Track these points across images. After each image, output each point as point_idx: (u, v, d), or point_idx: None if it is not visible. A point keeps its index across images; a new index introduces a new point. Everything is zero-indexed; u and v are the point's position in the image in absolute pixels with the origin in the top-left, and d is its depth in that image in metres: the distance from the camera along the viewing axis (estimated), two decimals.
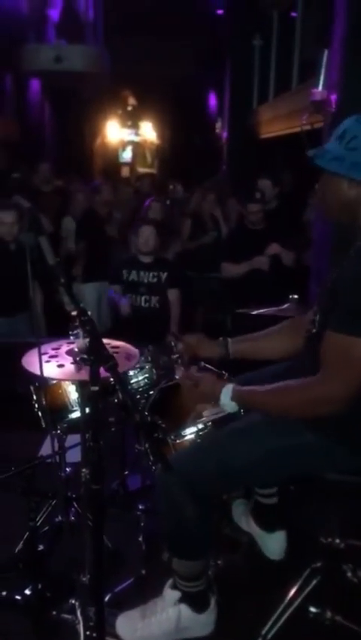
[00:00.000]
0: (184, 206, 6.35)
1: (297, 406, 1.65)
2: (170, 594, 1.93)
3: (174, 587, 1.94)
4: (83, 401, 1.68)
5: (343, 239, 1.77)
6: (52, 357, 1.60)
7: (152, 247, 4.07)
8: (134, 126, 16.03)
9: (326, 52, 4.35)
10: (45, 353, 1.60)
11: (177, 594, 1.92)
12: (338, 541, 2.05)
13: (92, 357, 1.30)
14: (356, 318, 1.50)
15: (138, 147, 16.38)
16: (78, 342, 1.49)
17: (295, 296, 2.92)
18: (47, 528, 2.35)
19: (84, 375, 1.36)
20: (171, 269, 4.23)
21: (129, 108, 15.78)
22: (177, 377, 2.28)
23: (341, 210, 1.66)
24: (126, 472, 2.60)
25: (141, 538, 2.32)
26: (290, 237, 4.42)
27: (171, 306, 4.13)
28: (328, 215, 1.77)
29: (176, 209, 6.37)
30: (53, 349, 1.65)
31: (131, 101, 15.52)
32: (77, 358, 1.40)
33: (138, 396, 2.45)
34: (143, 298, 4.02)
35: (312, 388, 1.61)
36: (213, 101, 12.90)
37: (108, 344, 1.76)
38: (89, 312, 1.37)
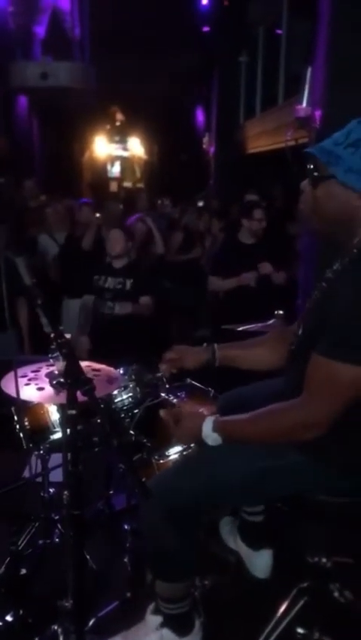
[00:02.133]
0: (175, 221, 6.40)
1: (280, 430, 1.63)
2: (152, 619, 1.90)
3: (157, 611, 1.90)
4: (64, 423, 1.67)
5: (329, 252, 1.72)
6: (31, 379, 1.58)
7: (119, 250, 4.04)
8: (123, 141, 16.13)
9: (309, 69, 4.40)
10: (24, 376, 1.58)
11: (158, 619, 1.88)
12: (324, 560, 2.02)
13: (69, 381, 1.28)
14: (340, 343, 1.47)
15: (126, 162, 16.47)
16: (57, 365, 1.48)
17: (281, 312, 2.92)
18: (29, 551, 2.31)
19: (62, 398, 1.35)
20: (138, 276, 4.15)
21: (117, 124, 15.89)
22: (160, 412, 2.23)
23: (340, 222, 1.59)
24: (111, 492, 2.57)
25: (126, 559, 2.29)
26: (281, 254, 4.38)
27: (144, 313, 4.07)
28: (320, 226, 1.67)
29: (164, 224, 6.40)
30: (33, 372, 1.63)
31: (119, 116, 15.63)
32: (54, 382, 1.38)
33: (123, 415, 2.43)
34: (107, 305, 3.97)
35: (294, 414, 1.59)
36: (200, 116, 13.02)
37: (89, 367, 1.75)
38: (67, 335, 1.35)
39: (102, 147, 15.90)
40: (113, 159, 16.33)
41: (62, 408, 1.65)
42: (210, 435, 1.70)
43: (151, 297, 4.09)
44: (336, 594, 2.10)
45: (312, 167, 1.59)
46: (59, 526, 2.32)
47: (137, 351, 3.90)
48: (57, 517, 2.34)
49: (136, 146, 16.18)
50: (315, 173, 1.58)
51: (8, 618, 1.98)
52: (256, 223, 4.13)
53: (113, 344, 3.69)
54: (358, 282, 1.49)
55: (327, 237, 1.69)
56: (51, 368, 1.66)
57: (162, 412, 1.93)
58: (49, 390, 1.50)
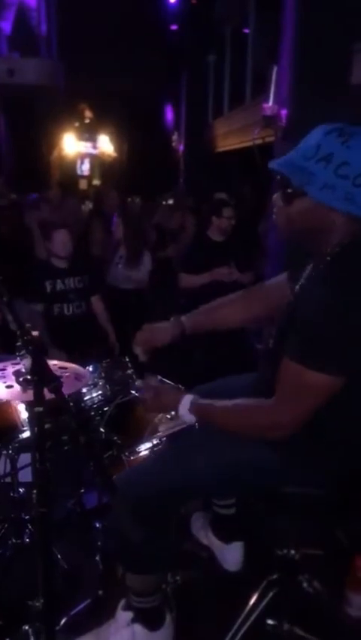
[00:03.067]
0: (147, 219, 6.39)
1: (247, 428, 1.65)
2: (122, 615, 1.91)
3: (128, 607, 1.91)
4: (32, 421, 1.66)
5: (297, 250, 1.73)
6: None
7: (70, 250, 3.96)
8: (92, 139, 16.02)
9: (275, 68, 4.45)
10: None
11: (129, 615, 1.89)
12: (293, 552, 2.05)
13: (36, 378, 1.27)
14: (311, 350, 1.46)
15: (95, 160, 16.36)
16: (25, 362, 1.47)
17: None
18: (0, 551, 2.29)
19: (30, 395, 1.34)
20: (91, 271, 4.16)
21: (87, 121, 15.76)
22: (135, 389, 2.23)
23: (312, 234, 1.56)
24: (82, 490, 2.56)
25: (97, 558, 2.29)
26: (250, 251, 4.40)
27: (98, 313, 4.07)
28: (293, 236, 1.63)
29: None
30: None
31: (88, 114, 15.50)
32: (21, 379, 1.37)
33: (93, 413, 2.43)
34: (74, 305, 3.91)
35: (263, 414, 1.61)
36: (169, 114, 13.02)
37: (56, 365, 1.74)
38: (34, 332, 1.34)
39: (71, 145, 15.76)
40: (82, 157, 16.20)
41: (29, 406, 1.64)
42: (185, 414, 1.71)
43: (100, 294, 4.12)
44: (305, 585, 2.14)
45: (281, 181, 1.54)
46: (30, 526, 2.30)
47: (104, 348, 3.93)
48: (27, 518, 2.32)
49: (106, 144, 16.08)
50: (288, 190, 1.53)
51: None
52: (226, 221, 4.13)
53: (79, 344, 3.66)
54: (332, 288, 1.48)
55: (299, 244, 1.67)
56: (17, 366, 1.65)
57: (139, 382, 1.93)
58: (17, 387, 1.49)
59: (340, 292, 1.45)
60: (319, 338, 1.45)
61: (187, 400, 1.72)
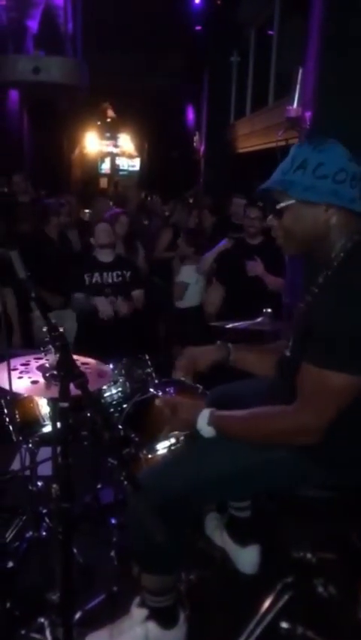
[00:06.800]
0: (165, 218, 6.42)
1: (272, 435, 1.66)
2: (137, 612, 1.91)
3: (142, 604, 1.91)
4: (54, 416, 1.68)
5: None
6: (23, 372, 1.58)
7: (110, 240, 4.02)
8: (113, 138, 16.09)
9: (300, 70, 4.43)
10: (15, 369, 1.59)
11: (144, 612, 1.89)
12: (309, 555, 2.05)
13: (62, 374, 1.29)
14: (329, 351, 1.50)
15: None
16: (50, 358, 1.49)
17: (269, 310, 2.94)
18: (17, 544, 2.32)
19: (54, 391, 1.36)
20: (134, 268, 4.20)
21: (108, 120, 15.85)
22: (156, 401, 2.22)
23: (315, 240, 1.64)
24: (99, 486, 2.58)
25: (113, 553, 2.30)
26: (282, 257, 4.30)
27: (137, 307, 4.07)
28: (297, 248, 1.73)
29: (154, 220, 6.42)
30: (22, 365, 1.63)
31: (110, 113, 15.59)
32: (47, 374, 1.39)
33: (112, 410, 2.45)
34: (109, 300, 3.93)
35: (287, 419, 1.62)
36: (191, 114, 13.02)
37: (78, 360, 1.75)
38: (61, 328, 1.36)
39: (93, 143, 15.86)
40: (103, 155, 16.29)
41: (52, 401, 1.66)
42: (204, 427, 1.72)
43: (143, 290, 4.12)
44: (320, 589, 2.13)
45: (271, 202, 1.66)
46: (47, 519, 2.33)
47: (128, 346, 3.95)
48: (45, 511, 2.34)
49: (126, 143, 16.15)
50: (276, 206, 1.64)
51: None
52: (250, 221, 4.13)
53: (107, 340, 3.68)
54: (341, 292, 1.54)
55: (308, 258, 1.74)
56: (41, 361, 1.67)
57: (158, 401, 1.95)
58: (41, 383, 1.51)
59: (349, 294, 1.52)
60: (335, 339, 1.49)
61: (206, 413, 1.73)
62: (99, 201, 6.64)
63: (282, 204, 1.63)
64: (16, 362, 1.69)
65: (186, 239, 4.65)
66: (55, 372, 1.31)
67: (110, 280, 3.99)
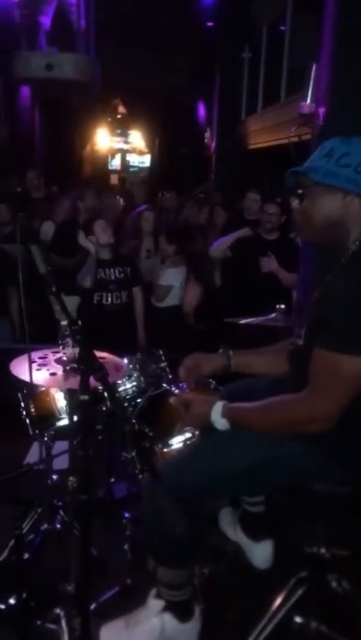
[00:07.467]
0: (177, 214, 6.41)
1: (284, 423, 1.66)
2: (154, 603, 1.93)
3: (158, 596, 1.93)
4: (72, 409, 1.69)
5: (328, 251, 1.78)
6: (41, 365, 1.60)
7: (111, 238, 4.06)
8: (124, 134, 16.11)
9: (314, 66, 4.41)
10: (33, 361, 1.60)
11: (161, 603, 1.91)
12: (323, 550, 2.05)
13: (83, 367, 1.30)
14: (343, 335, 1.52)
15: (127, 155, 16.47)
16: (68, 351, 1.50)
17: (282, 306, 2.94)
18: (32, 536, 2.34)
19: (72, 383, 1.37)
20: (133, 264, 4.25)
21: (119, 116, 15.86)
22: (170, 399, 2.23)
23: (331, 226, 1.66)
24: (112, 480, 2.60)
25: (126, 547, 2.32)
26: (296, 252, 4.29)
27: (135, 304, 4.14)
28: (314, 233, 1.75)
29: (165, 217, 6.41)
30: (40, 358, 1.65)
31: (121, 109, 15.59)
32: (68, 367, 1.40)
33: (126, 404, 2.46)
34: (114, 295, 4.01)
35: (299, 407, 1.63)
36: (202, 111, 13.00)
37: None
38: (80, 322, 1.37)
39: (104, 140, 15.88)
40: (114, 152, 16.31)
41: (70, 394, 1.68)
42: (218, 420, 1.74)
43: (141, 286, 4.18)
44: (334, 584, 2.13)
45: (295, 186, 1.72)
46: (62, 512, 2.35)
47: (133, 341, 3.99)
48: (60, 504, 2.36)
49: (137, 139, 16.16)
50: (299, 191, 1.72)
51: (11, 601, 2.00)
52: (267, 217, 4.11)
53: (112, 335, 3.71)
54: (356, 277, 1.57)
55: (324, 246, 1.76)
56: (58, 354, 1.68)
57: (171, 399, 1.96)
58: (60, 375, 1.52)
59: None
60: (349, 322, 1.52)
61: (219, 405, 1.75)
62: (107, 197, 6.64)
63: (304, 186, 1.69)
64: (33, 356, 1.71)
65: (167, 236, 4.46)
66: (75, 365, 1.33)
67: (113, 277, 4.05)
